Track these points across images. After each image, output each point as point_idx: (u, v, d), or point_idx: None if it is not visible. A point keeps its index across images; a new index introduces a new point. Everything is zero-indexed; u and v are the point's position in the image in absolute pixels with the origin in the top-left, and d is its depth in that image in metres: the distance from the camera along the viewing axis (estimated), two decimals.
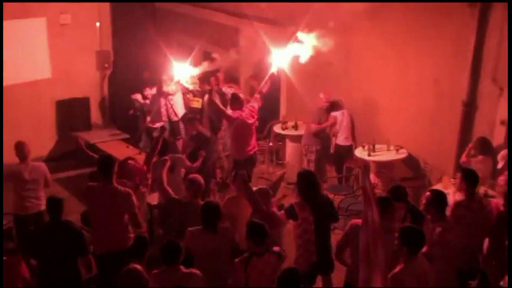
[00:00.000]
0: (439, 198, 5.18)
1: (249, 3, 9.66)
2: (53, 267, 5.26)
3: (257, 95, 8.38)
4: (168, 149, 7.26)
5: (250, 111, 7.98)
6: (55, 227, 5.29)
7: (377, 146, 8.23)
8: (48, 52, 10.21)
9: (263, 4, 9.39)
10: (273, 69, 7.92)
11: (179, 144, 9.88)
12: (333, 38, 7.88)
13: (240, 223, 5.47)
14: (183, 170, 7.31)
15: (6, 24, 9.48)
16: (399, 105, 8.34)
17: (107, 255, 5.57)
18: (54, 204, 5.34)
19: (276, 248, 4.97)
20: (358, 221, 4.91)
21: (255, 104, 8.14)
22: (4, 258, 4.86)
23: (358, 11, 7.78)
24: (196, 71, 8.93)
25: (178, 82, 9.16)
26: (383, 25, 8.17)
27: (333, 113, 8.76)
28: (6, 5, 9.34)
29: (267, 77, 8.09)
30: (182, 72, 8.84)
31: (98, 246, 5.66)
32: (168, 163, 6.46)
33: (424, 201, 5.29)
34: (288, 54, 7.84)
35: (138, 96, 10.02)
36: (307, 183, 5.47)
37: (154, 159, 6.67)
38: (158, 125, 9.61)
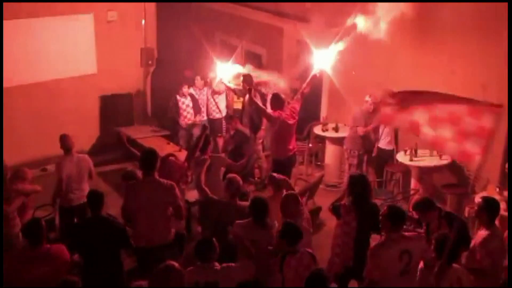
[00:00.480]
0: (491, 205, 5.07)
1: (293, 3, 9.64)
2: (96, 260, 5.31)
3: (298, 96, 8.29)
4: (208, 147, 7.30)
5: (291, 112, 7.93)
6: (96, 222, 5.34)
7: (419, 151, 8.08)
8: (95, 48, 10.40)
9: (308, 4, 9.34)
10: (315, 71, 7.85)
11: (220, 141, 9.92)
12: (377, 41, 7.83)
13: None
14: (222, 169, 7.33)
15: (54, 20, 9.77)
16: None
17: (149, 249, 5.58)
18: (95, 198, 5.39)
19: (308, 249, 5.00)
20: None
21: (296, 104, 8.08)
22: (48, 245, 4.94)
23: (405, 15, 7.65)
24: (240, 70, 8.88)
25: (221, 81, 9.19)
26: (430, 29, 8.04)
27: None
28: (55, 2, 9.66)
29: (309, 78, 8.00)
30: (225, 71, 8.84)
31: (140, 240, 5.63)
32: (208, 162, 6.51)
33: (476, 208, 5.20)
34: (331, 55, 7.74)
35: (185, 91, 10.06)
36: (360, 188, 5.47)
37: (195, 156, 6.72)
38: (198, 120, 9.93)
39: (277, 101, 8.00)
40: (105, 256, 5.33)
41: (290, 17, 9.67)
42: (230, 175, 6.11)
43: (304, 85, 8.18)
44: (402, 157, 8.24)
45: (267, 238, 5.19)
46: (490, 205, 5.07)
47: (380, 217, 4.83)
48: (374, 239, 5.27)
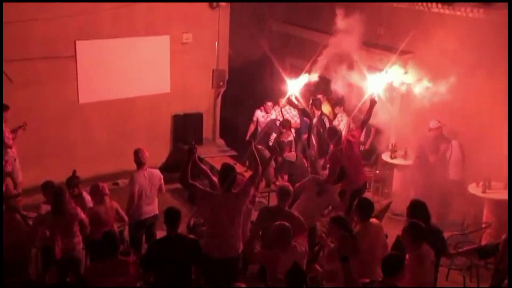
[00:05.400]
0: None
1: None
2: (170, 276, 5.46)
3: (358, 124, 8.27)
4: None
5: (347, 141, 7.83)
6: (174, 240, 5.48)
7: (493, 183, 7.89)
8: (169, 69, 10.72)
9: (381, 30, 9.32)
10: (372, 94, 7.86)
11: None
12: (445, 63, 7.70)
13: None
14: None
15: (132, 40, 10.18)
16: None
17: (221, 261, 5.70)
18: (173, 216, 5.50)
19: None
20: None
21: (356, 132, 8.08)
22: (122, 257, 5.24)
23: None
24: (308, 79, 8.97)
25: (290, 97, 9.27)
26: (494, 55, 7.83)
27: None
28: (134, 23, 10.08)
29: (361, 101, 8.12)
30: (295, 88, 8.94)
31: (213, 252, 5.72)
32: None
33: None
34: (388, 80, 7.86)
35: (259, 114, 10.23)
36: (418, 213, 5.55)
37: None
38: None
39: (332, 134, 8.08)
40: (178, 272, 5.49)
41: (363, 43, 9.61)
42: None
43: (361, 110, 8.36)
44: (473, 189, 8.05)
45: None
46: None
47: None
48: None
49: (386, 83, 7.84)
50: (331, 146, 7.92)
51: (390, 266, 4.65)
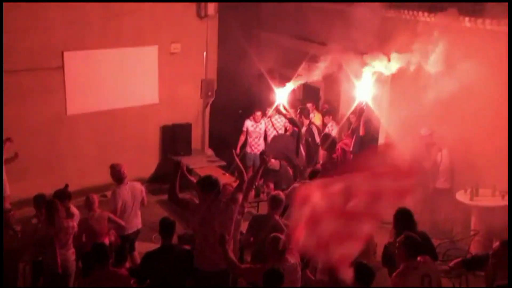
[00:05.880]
0: None
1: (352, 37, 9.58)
2: (164, 287, 5.50)
3: (349, 132, 8.37)
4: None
5: (341, 150, 8.07)
6: (169, 250, 5.48)
7: (480, 190, 7.93)
8: (157, 79, 10.72)
9: (371, 39, 9.37)
10: (359, 102, 8.02)
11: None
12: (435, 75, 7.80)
13: None
14: None
15: (120, 51, 10.14)
16: (507, 147, 7.85)
17: (212, 274, 5.69)
18: (168, 226, 5.52)
19: None
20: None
21: (348, 140, 8.31)
22: (112, 269, 5.27)
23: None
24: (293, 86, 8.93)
25: (278, 106, 9.27)
26: (488, 60, 7.82)
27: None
28: (122, 34, 10.06)
29: (352, 108, 8.29)
30: (283, 97, 8.98)
31: (204, 264, 5.72)
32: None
33: None
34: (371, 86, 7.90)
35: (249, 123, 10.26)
36: (404, 222, 5.57)
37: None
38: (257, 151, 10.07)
39: (327, 142, 8.18)
40: (172, 283, 5.51)
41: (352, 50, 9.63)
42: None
43: (355, 122, 8.42)
44: (461, 196, 8.08)
45: None
46: None
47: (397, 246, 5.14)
48: None
49: (373, 90, 7.79)
50: (323, 153, 7.86)
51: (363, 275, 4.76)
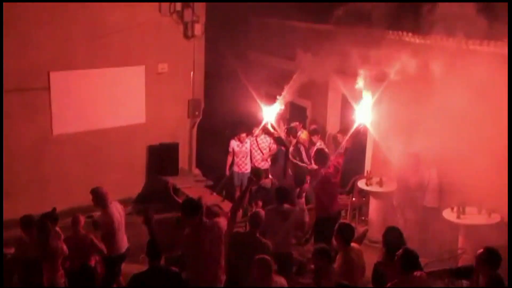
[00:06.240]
0: None
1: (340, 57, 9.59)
2: None
3: (341, 151, 8.38)
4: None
5: (334, 168, 7.91)
6: (157, 272, 5.41)
7: (467, 208, 7.97)
8: (144, 99, 10.72)
9: (356, 60, 9.45)
10: (358, 125, 7.96)
11: None
12: (421, 91, 7.82)
13: None
14: None
15: (106, 71, 10.14)
16: (494, 165, 7.89)
17: None
18: (155, 248, 5.46)
19: None
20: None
21: (340, 159, 8.12)
22: None
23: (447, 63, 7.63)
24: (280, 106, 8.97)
25: (266, 125, 9.28)
26: (473, 76, 7.72)
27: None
28: (109, 53, 10.05)
29: (351, 132, 8.13)
30: (270, 115, 9.02)
31: (198, 284, 5.71)
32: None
33: None
34: (371, 109, 7.92)
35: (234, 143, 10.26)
36: (394, 240, 5.56)
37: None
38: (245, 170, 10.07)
39: (321, 157, 8.04)
40: None
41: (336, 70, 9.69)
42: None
43: (346, 138, 8.33)
44: (448, 215, 8.10)
45: None
46: None
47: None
48: None
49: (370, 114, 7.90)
50: (317, 170, 7.86)
51: None
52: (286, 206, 7.10)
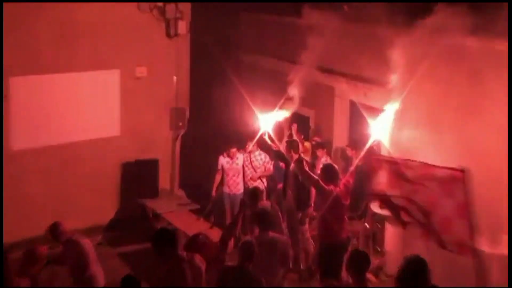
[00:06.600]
0: None
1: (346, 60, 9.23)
2: None
3: (352, 168, 7.79)
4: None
5: (345, 188, 7.32)
6: None
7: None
8: (119, 108, 10.33)
9: (363, 60, 8.87)
10: (372, 142, 7.31)
11: None
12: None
13: None
14: None
15: (74, 76, 9.73)
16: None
17: None
18: (132, 285, 5.32)
19: None
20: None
21: (351, 178, 7.52)
22: None
23: None
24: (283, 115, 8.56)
25: (263, 135, 8.58)
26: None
27: None
28: (77, 56, 9.65)
29: (366, 147, 7.43)
30: (269, 124, 8.43)
31: None
32: None
33: None
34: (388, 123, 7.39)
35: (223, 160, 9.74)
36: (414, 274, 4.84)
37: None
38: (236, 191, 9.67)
39: (330, 173, 7.42)
40: None
41: (343, 75, 9.43)
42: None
43: (361, 154, 7.60)
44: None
45: None
46: None
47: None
48: None
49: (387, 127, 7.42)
50: (331, 189, 7.28)
51: None
52: (271, 234, 6.64)
